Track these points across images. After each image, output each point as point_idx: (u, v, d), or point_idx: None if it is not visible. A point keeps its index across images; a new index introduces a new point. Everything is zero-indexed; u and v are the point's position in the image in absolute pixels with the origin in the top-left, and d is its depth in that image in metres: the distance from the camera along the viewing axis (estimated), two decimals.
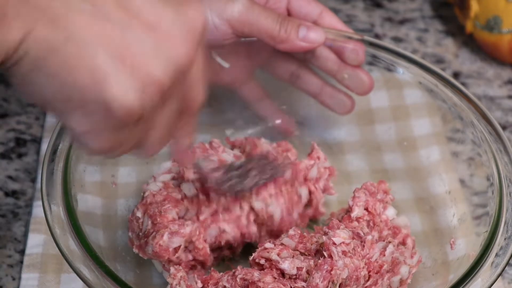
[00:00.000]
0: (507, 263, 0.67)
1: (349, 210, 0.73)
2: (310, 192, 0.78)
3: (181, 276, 0.70)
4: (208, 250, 0.72)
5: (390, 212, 0.74)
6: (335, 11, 1.02)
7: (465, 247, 0.74)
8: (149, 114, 0.53)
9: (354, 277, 0.68)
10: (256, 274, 0.68)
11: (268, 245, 0.70)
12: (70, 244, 0.67)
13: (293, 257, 0.70)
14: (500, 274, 0.66)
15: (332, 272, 0.67)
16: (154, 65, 0.52)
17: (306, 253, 0.71)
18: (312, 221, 0.80)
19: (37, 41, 0.50)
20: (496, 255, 0.68)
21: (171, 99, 0.55)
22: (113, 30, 0.51)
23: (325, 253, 0.69)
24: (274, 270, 0.69)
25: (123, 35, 0.51)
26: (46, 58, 0.50)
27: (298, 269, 0.69)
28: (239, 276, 0.68)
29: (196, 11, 0.55)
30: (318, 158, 0.79)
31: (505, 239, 0.69)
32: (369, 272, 0.70)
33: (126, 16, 0.52)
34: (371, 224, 0.72)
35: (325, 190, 0.80)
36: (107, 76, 0.50)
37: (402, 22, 1.04)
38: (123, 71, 0.51)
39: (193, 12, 0.55)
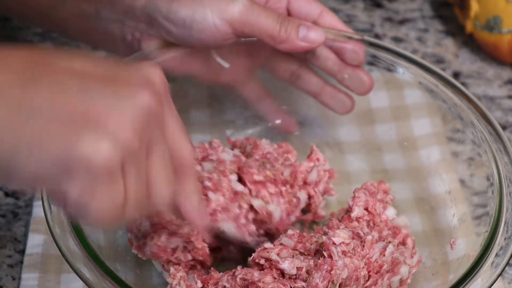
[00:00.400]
0: (507, 263, 0.67)
1: (349, 210, 0.73)
2: (309, 196, 0.78)
3: (181, 276, 0.70)
4: (207, 250, 0.72)
5: (390, 212, 0.74)
6: (335, 11, 1.02)
7: (465, 247, 0.74)
8: (133, 161, 0.54)
9: (354, 277, 0.68)
10: (256, 274, 0.68)
11: (267, 245, 0.70)
12: (70, 244, 0.67)
13: (292, 257, 0.70)
14: (500, 274, 0.66)
15: (332, 272, 0.67)
16: (118, 112, 0.53)
17: (305, 253, 0.71)
18: (313, 223, 0.80)
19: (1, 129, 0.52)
20: (496, 255, 0.68)
21: (153, 145, 0.56)
22: (70, 96, 0.53)
23: (325, 253, 0.68)
24: (274, 270, 0.69)
25: (82, 97, 0.53)
26: (14, 143, 0.52)
27: (298, 269, 0.69)
28: (239, 276, 0.68)
29: (150, 67, 0.57)
30: (318, 160, 0.79)
31: (505, 239, 0.69)
32: (369, 272, 0.70)
33: (81, 80, 0.53)
34: (371, 224, 0.72)
35: (325, 192, 0.80)
36: (75, 137, 0.52)
37: (402, 22, 1.04)
38: (89, 126, 0.52)
39: (147, 68, 0.57)
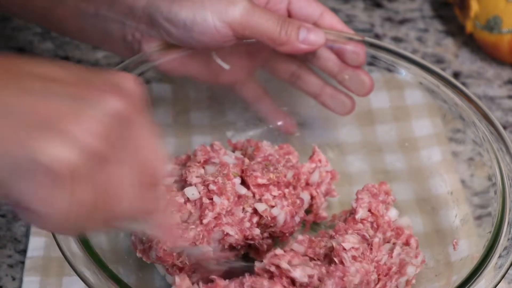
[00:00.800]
0: (511, 264, 0.67)
1: (352, 212, 0.73)
2: (311, 197, 0.78)
3: (187, 287, 0.69)
4: (211, 254, 0.72)
5: (393, 213, 0.74)
6: (335, 11, 1.02)
7: (468, 248, 0.74)
8: (95, 168, 0.52)
9: (365, 281, 0.68)
10: (265, 283, 0.67)
11: (278, 251, 0.70)
12: (72, 247, 0.67)
13: (302, 263, 0.69)
14: (504, 275, 0.66)
15: (345, 279, 0.67)
16: (82, 116, 0.51)
17: (315, 258, 0.70)
18: (314, 224, 0.80)
19: None
20: (500, 256, 0.68)
21: (121, 153, 0.53)
22: (31, 98, 0.51)
23: (335, 259, 0.68)
24: (284, 278, 0.68)
25: (44, 100, 0.51)
26: None
27: (310, 276, 0.68)
28: (247, 284, 0.67)
29: (125, 76, 0.55)
30: (320, 161, 0.79)
31: (508, 239, 0.69)
32: (378, 275, 0.69)
33: (46, 83, 0.52)
34: (375, 225, 0.72)
35: (327, 193, 0.80)
36: (33, 139, 0.50)
37: (402, 22, 1.03)
38: (49, 129, 0.50)
39: (122, 76, 0.55)
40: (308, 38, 0.77)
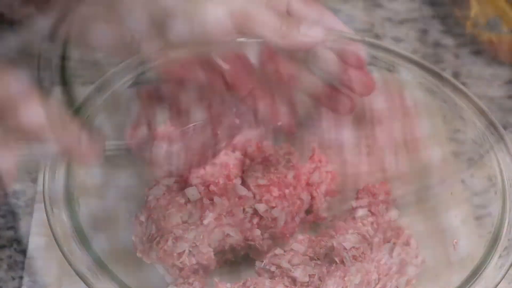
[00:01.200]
0: (511, 265, 0.67)
1: (352, 212, 0.73)
2: (311, 197, 0.78)
3: None
4: (212, 254, 0.72)
5: (393, 213, 0.74)
6: (335, 11, 1.01)
7: (468, 248, 0.74)
8: None
9: (366, 281, 0.68)
10: (267, 283, 0.68)
11: (278, 251, 0.70)
12: (72, 247, 0.67)
13: (302, 262, 0.69)
14: (504, 276, 0.66)
15: (346, 279, 0.67)
16: None
17: (315, 257, 0.70)
18: (314, 224, 0.80)
19: None
20: (500, 256, 0.68)
21: None
22: None
23: (336, 259, 0.68)
24: (285, 277, 0.69)
25: None
26: None
27: (310, 276, 0.68)
28: (251, 287, 0.68)
29: None
30: (320, 161, 0.79)
31: (508, 239, 0.69)
32: (379, 275, 0.70)
33: None
34: (375, 225, 0.72)
35: (327, 193, 0.80)
36: None
37: (402, 22, 1.03)
38: None
39: None
40: (309, 33, 0.77)
